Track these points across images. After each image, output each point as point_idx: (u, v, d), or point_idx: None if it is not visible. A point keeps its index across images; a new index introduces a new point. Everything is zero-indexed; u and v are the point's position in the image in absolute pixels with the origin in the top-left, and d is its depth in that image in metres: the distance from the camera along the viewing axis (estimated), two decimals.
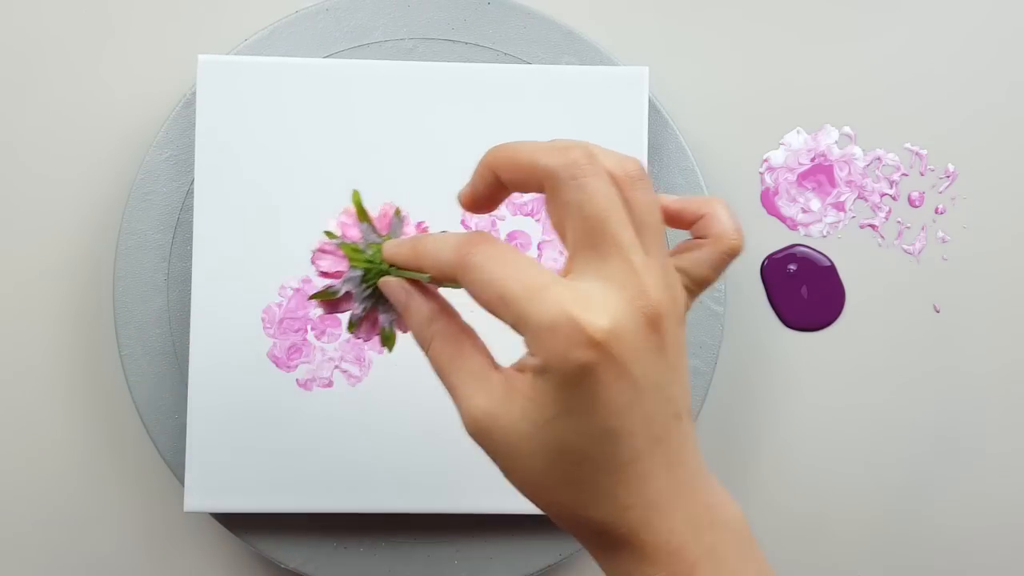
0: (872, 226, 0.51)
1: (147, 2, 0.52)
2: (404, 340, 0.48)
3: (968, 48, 0.53)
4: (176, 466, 0.49)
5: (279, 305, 0.48)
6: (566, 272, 0.32)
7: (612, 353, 0.30)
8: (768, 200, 0.52)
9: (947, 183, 0.52)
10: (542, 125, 0.48)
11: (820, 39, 0.53)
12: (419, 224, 0.37)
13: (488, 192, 0.35)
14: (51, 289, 0.52)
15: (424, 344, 0.36)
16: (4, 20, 0.52)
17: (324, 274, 0.37)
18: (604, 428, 0.31)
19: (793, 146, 0.51)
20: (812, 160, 0.51)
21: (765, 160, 0.52)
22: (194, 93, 0.49)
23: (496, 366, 0.34)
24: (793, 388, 0.52)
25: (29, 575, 0.52)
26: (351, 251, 0.36)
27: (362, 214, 0.37)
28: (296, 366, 0.48)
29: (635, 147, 0.48)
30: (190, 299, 0.48)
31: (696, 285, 0.35)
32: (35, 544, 0.52)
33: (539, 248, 0.48)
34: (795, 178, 0.50)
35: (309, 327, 0.48)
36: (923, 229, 0.52)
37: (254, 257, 0.48)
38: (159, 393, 0.49)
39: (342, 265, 0.37)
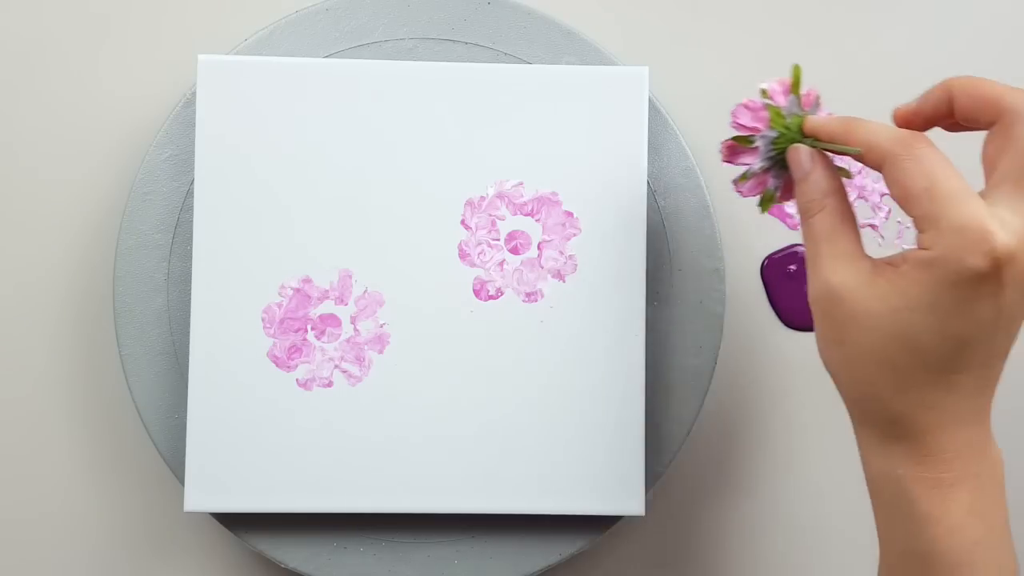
0: (872, 226, 0.51)
1: (147, 2, 0.52)
2: (407, 342, 0.48)
3: (968, 48, 0.53)
4: (176, 466, 0.49)
5: (279, 305, 0.48)
6: (983, 197, 0.34)
7: (1002, 272, 0.33)
8: None
9: None
10: (542, 125, 0.48)
11: (820, 39, 0.53)
12: (827, 114, 0.40)
13: (931, 112, 0.37)
14: (51, 289, 0.52)
15: (810, 211, 0.38)
16: (3, 20, 0.52)
17: (739, 126, 0.41)
18: (956, 334, 0.34)
19: None
20: None
21: None
22: (194, 93, 0.49)
23: (864, 253, 0.36)
24: (793, 388, 0.52)
25: (29, 575, 0.52)
26: (775, 113, 0.40)
27: (796, 87, 0.40)
28: (296, 366, 0.48)
29: (635, 147, 0.48)
30: (190, 299, 0.48)
31: None
32: (35, 544, 0.52)
33: (539, 248, 0.48)
34: None
35: (309, 327, 0.48)
36: None
37: (254, 257, 0.48)
38: (159, 393, 0.49)
39: (758, 123, 0.40)
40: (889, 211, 0.52)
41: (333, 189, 0.48)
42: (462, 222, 0.48)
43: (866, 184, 0.52)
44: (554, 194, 0.48)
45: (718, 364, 0.51)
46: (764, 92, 0.40)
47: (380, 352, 0.48)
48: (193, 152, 0.49)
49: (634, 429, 0.48)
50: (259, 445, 0.47)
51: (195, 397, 0.47)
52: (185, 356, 0.49)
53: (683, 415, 0.50)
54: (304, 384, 0.48)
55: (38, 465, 0.52)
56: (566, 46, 0.50)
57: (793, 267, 0.52)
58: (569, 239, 0.48)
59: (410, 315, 0.48)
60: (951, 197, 0.33)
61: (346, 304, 0.48)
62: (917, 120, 0.38)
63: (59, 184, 0.52)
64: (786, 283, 0.52)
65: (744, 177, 0.41)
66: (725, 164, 0.42)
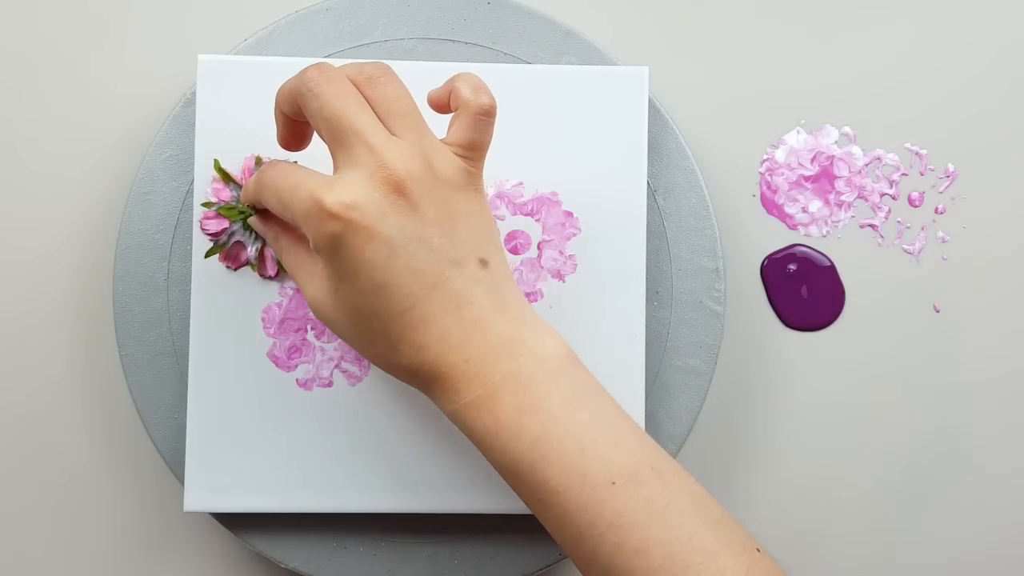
0: (872, 226, 0.51)
1: (147, 2, 0.52)
2: None
3: (969, 48, 0.53)
4: (176, 466, 0.49)
5: (279, 305, 0.48)
6: (334, 173, 0.38)
7: (354, 220, 0.36)
8: (768, 200, 0.52)
9: (947, 183, 0.52)
10: (542, 125, 0.48)
11: (820, 39, 0.53)
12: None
13: (287, 130, 0.41)
14: (51, 289, 0.52)
15: (278, 254, 0.43)
16: (3, 20, 0.52)
17: (215, 235, 0.45)
18: (372, 284, 0.37)
19: (793, 146, 0.51)
20: (812, 160, 0.51)
21: (765, 160, 0.52)
22: (194, 93, 0.49)
23: (319, 262, 0.40)
24: (793, 388, 0.52)
25: (29, 574, 0.52)
26: (226, 210, 0.44)
27: (225, 177, 0.45)
28: (296, 366, 0.48)
29: (635, 147, 0.48)
30: (190, 299, 0.48)
31: (469, 150, 0.40)
32: (34, 544, 0.52)
33: (539, 248, 0.48)
34: (795, 178, 0.50)
35: (309, 327, 0.48)
36: (923, 229, 0.52)
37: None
38: (159, 393, 0.49)
39: (224, 223, 0.45)
40: (889, 211, 0.52)
41: None
42: None
43: (866, 184, 0.52)
44: (554, 194, 0.48)
45: (718, 364, 0.51)
46: (207, 204, 0.45)
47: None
48: (193, 152, 0.49)
49: None
50: (259, 445, 0.47)
51: (195, 397, 0.47)
52: (185, 356, 0.49)
53: (683, 415, 0.50)
54: (304, 384, 0.48)
55: (38, 465, 0.52)
56: (566, 46, 0.50)
57: (793, 267, 0.52)
58: (569, 239, 0.48)
59: None
60: (290, 197, 0.38)
61: None
62: (288, 139, 0.42)
63: (59, 184, 0.52)
64: (786, 283, 0.52)
65: (253, 266, 0.45)
66: (236, 270, 0.46)
